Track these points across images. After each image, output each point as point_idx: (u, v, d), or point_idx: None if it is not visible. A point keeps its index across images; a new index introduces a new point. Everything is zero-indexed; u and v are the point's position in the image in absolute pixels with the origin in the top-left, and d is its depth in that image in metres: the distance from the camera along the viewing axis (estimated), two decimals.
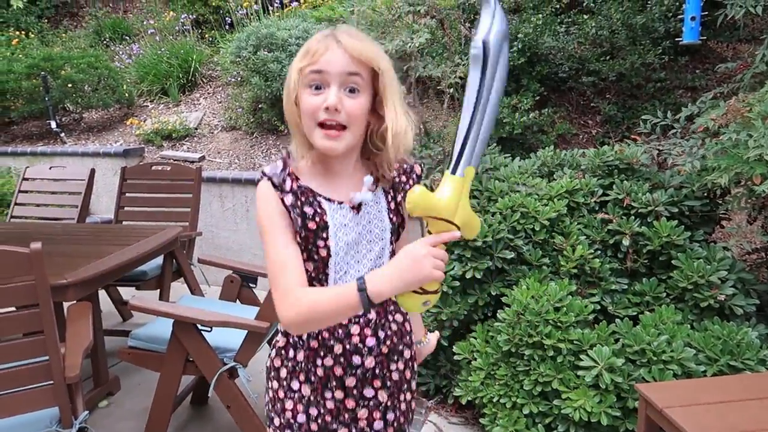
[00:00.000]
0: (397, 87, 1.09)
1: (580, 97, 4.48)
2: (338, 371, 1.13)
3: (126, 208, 3.45)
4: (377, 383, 1.16)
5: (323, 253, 1.08)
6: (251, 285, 2.56)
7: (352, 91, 1.04)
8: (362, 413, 1.15)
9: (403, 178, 1.18)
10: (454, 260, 2.38)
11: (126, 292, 3.39)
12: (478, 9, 3.80)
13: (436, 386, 2.50)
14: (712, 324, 2.06)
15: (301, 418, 1.15)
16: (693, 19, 2.58)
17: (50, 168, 3.66)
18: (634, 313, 2.21)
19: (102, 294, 3.24)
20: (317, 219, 1.08)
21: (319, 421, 1.15)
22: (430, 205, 0.96)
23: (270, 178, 1.09)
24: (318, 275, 1.10)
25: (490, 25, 0.97)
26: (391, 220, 1.15)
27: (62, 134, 5.25)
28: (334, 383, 1.14)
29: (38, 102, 5.21)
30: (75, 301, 2.11)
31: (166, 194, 3.43)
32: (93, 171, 3.49)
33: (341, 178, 1.13)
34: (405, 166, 1.18)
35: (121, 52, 6.11)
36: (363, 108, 1.06)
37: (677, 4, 3.94)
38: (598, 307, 2.21)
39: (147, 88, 5.54)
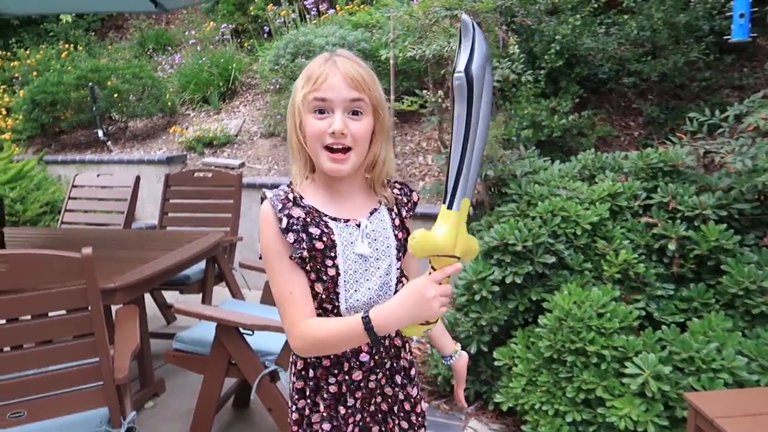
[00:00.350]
0: (388, 120, 1.14)
1: (621, 98, 4.39)
2: (344, 388, 1.16)
3: (169, 214, 3.53)
4: (379, 399, 1.20)
5: (332, 272, 1.10)
6: None
7: (355, 113, 1.08)
8: (375, 429, 1.20)
9: (404, 199, 1.22)
10: (493, 265, 2.36)
11: (170, 296, 3.48)
12: (515, 12, 3.76)
13: (476, 392, 2.48)
14: (765, 331, 1.99)
15: (326, 426, 1.17)
16: (742, 16, 2.49)
17: (98, 175, 3.79)
18: (682, 320, 2.15)
19: (147, 298, 3.34)
20: (324, 239, 1.09)
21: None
22: (431, 245, 0.97)
23: (271, 200, 1.11)
24: (329, 295, 1.11)
25: (470, 52, 0.94)
26: (396, 236, 1.17)
27: (109, 143, 5.42)
28: (346, 399, 1.17)
29: (86, 112, 5.40)
30: (123, 305, 2.17)
31: (208, 200, 3.50)
32: (138, 178, 3.60)
33: (346, 198, 1.15)
34: (405, 188, 1.24)
35: (163, 62, 6.28)
36: (367, 129, 1.10)
37: (722, 1, 3.83)
38: (644, 314, 2.16)
39: (189, 96, 5.68)
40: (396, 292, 1.16)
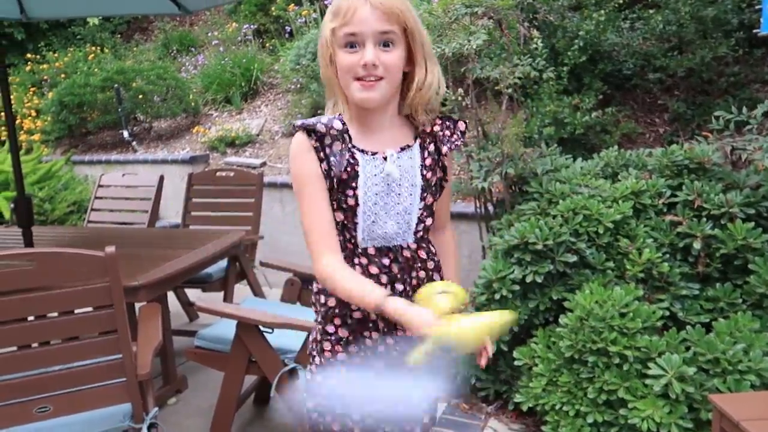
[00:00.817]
0: (427, 42, 1.14)
1: (646, 94, 4.31)
2: (372, 315, 1.19)
3: (192, 213, 3.58)
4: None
5: (351, 202, 1.14)
6: (311, 287, 2.60)
7: (386, 45, 1.09)
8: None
9: (447, 132, 1.21)
10: (513, 264, 2.34)
11: (192, 294, 3.52)
12: (538, 8, 3.71)
13: (495, 392, 2.46)
14: None
15: (342, 356, 1.21)
16: None
17: (123, 175, 3.86)
18: (707, 320, 2.10)
19: (170, 295, 3.39)
20: (348, 169, 1.13)
21: (360, 356, 1.21)
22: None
23: (305, 128, 1.13)
24: (347, 224, 1.17)
25: None
26: (423, 176, 1.19)
27: (134, 143, 5.52)
28: (370, 325, 1.20)
29: (112, 113, 5.50)
30: (146, 302, 2.21)
31: (230, 199, 3.54)
32: (162, 178, 3.65)
33: (377, 132, 1.17)
34: (448, 122, 1.22)
35: (187, 63, 6.37)
36: (399, 59, 1.11)
37: None
38: (667, 314, 2.12)
39: (211, 97, 5.75)
40: (416, 231, 1.21)
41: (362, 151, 1.14)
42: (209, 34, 6.58)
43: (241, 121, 5.24)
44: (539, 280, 2.27)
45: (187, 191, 3.58)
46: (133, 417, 1.79)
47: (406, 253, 1.20)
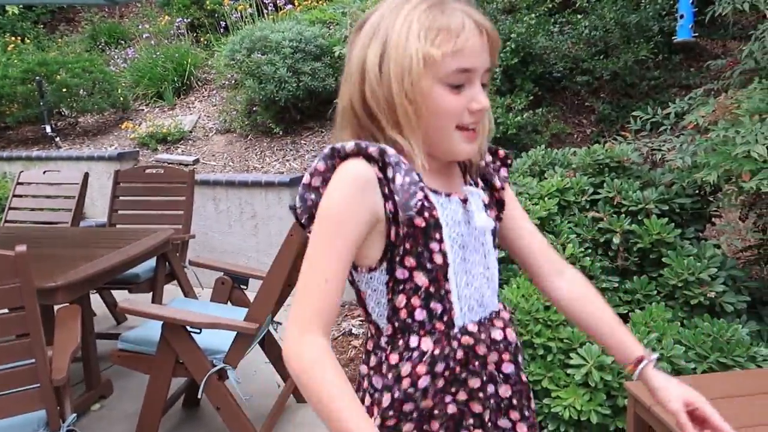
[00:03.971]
0: None
1: (575, 96, 4.48)
2: (476, 407, 0.91)
3: (120, 212, 3.45)
4: (514, 414, 0.96)
5: (439, 260, 0.85)
6: (242, 286, 2.56)
7: (483, 85, 0.86)
8: None
9: (492, 166, 0.99)
10: None
11: (121, 296, 3.39)
12: (479, 4, 3.78)
13: None
14: (702, 321, 2.05)
15: None
16: (682, 17, 2.58)
17: (44, 172, 3.67)
18: (625, 312, 2.20)
19: (97, 298, 3.25)
20: (426, 214, 0.83)
21: None
22: None
23: (370, 156, 0.80)
24: (438, 290, 0.86)
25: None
26: (493, 216, 0.96)
27: (57, 139, 5.25)
28: (471, 421, 0.92)
29: (33, 107, 5.22)
30: (66, 304, 2.11)
31: (160, 197, 3.43)
32: (87, 175, 3.50)
33: (445, 168, 0.92)
34: (489, 151, 1.00)
35: (116, 57, 6.12)
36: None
37: (671, 2, 3.94)
38: None
39: (142, 92, 5.55)
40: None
41: (434, 191, 0.86)
42: (140, 27, 6.35)
43: (174, 117, 5.09)
44: None
45: (114, 189, 3.45)
46: (49, 424, 1.70)
47: (504, 315, 0.95)
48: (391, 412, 0.86)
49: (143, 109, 5.49)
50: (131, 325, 3.23)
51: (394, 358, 0.87)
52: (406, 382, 0.85)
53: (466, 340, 0.88)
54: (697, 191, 2.38)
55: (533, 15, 4.03)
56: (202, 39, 6.03)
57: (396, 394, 0.85)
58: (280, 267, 2.01)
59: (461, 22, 0.81)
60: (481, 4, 4.02)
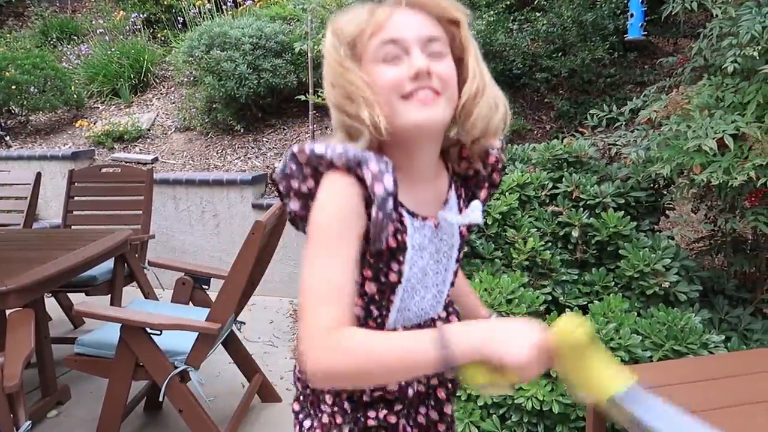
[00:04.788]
0: (477, 47, 0.88)
1: (534, 93, 4.55)
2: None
3: (75, 212, 3.35)
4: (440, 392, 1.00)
5: (393, 278, 0.88)
6: (204, 287, 2.51)
7: (433, 57, 0.83)
8: None
9: (480, 166, 0.95)
10: None
11: (78, 299, 3.29)
12: None
13: None
14: (657, 311, 2.12)
15: None
16: (632, 15, 2.65)
17: None
18: (585, 303, 2.26)
19: (53, 302, 3.15)
20: (397, 237, 0.85)
21: None
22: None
23: (348, 166, 0.79)
24: (379, 300, 0.89)
25: None
26: (461, 233, 0.95)
27: (7, 138, 5.06)
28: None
29: None
30: (19, 308, 2.03)
31: (117, 197, 3.35)
32: (39, 174, 3.38)
33: (423, 183, 0.90)
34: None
35: (69, 53, 5.93)
36: (453, 71, 0.84)
37: (625, 1, 4.04)
38: (550, 298, 2.25)
39: (97, 89, 5.39)
40: (446, 296, 0.99)
41: (412, 214, 0.87)
42: (93, 22, 6.17)
43: (131, 115, 4.96)
44: None
45: (68, 189, 3.34)
46: None
47: (439, 324, 0.97)
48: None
49: (98, 107, 5.33)
50: (89, 329, 3.15)
51: None
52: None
53: None
54: (651, 185, 2.45)
55: (492, 12, 4.07)
56: (159, 35, 5.89)
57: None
58: (243, 266, 1.98)
59: (373, 6, 0.84)
60: None
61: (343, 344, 0.72)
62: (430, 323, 0.96)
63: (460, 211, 0.94)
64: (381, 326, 0.91)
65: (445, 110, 0.83)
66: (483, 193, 0.97)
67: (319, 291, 0.75)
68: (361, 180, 0.79)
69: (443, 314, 0.99)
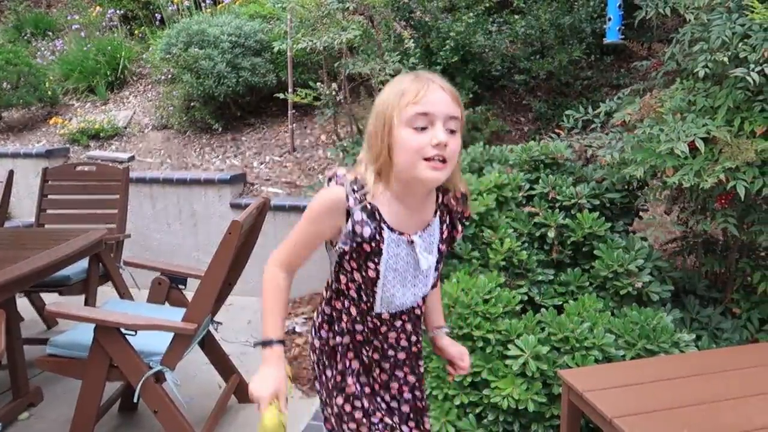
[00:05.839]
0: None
1: (513, 94, 4.60)
2: (376, 357, 1.35)
3: (48, 211, 3.30)
4: (406, 369, 1.40)
5: (372, 274, 1.21)
6: (180, 286, 2.49)
7: (451, 132, 1.13)
8: (394, 385, 1.40)
9: (458, 206, 1.30)
10: None
11: (51, 299, 3.24)
12: (413, 8, 3.82)
13: None
14: (630, 310, 2.16)
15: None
16: (610, 19, 2.69)
17: None
18: (560, 303, 2.28)
19: (25, 302, 3.09)
20: (374, 244, 1.18)
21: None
22: None
23: (349, 196, 1.16)
24: (365, 289, 1.25)
25: None
26: (439, 249, 1.27)
27: None
28: (377, 371, 1.36)
29: None
30: None
31: (92, 195, 3.30)
32: (11, 172, 3.32)
33: (410, 210, 1.21)
34: (463, 198, 1.31)
35: (43, 49, 5.82)
36: (460, 147, 1.16)
37: (602, 5, 4.10)
38: (526, 298, 2.28)
39: (72, 86, 5.30)
40: (425, 295, 1.34)
41: (391, 229, 1.19)
42: (69, 18, 6.06)
43: (107, 113, 4.89)
44: None
45: (42, 187, 3.29)
46: None
47: (417, 312, 1.35)
48: (336, 327, 1.34)
49: (74, 104, 5.24)
50: (62, 329, 3.10)
51: (338, 305, 1.32)
52: (342, 319, 1.32)
53: (375, 321, 1.30)
54: (625, 186, 2.49)
55: (472, 14, 4.10)
56: (136, 32, 5.81)
57: (335, 325, 1.34)
58: (219, 266, 1.97)
59: (417, 82, 1.13)
60: (422, 3, 4.06)
61: (269, 275, 1.25)
62: (410, 311, 1.33)
63: (441, 233, 1.27)
64: (371, 309, 1.28)
65: (446, 174, 1.15)
66: (460, 227, 1.31)
67: (289, 243, 1.25)
68: (347, 209, 1.17)
69: (422, 304, 1.36)
